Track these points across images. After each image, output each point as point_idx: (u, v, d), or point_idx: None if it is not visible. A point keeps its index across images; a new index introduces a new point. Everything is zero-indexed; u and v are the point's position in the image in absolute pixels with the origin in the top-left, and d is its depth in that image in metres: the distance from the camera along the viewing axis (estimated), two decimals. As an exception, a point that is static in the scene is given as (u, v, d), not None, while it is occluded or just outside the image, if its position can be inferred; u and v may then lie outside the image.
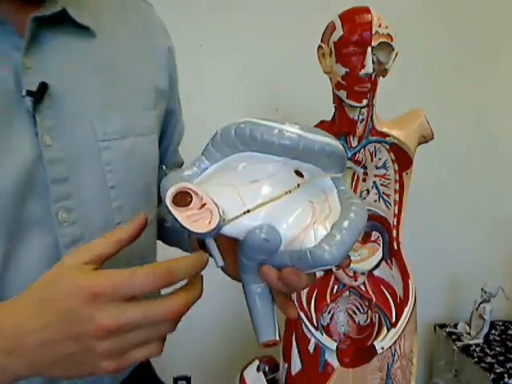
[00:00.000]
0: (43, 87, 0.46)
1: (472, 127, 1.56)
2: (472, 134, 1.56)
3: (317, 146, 0.40)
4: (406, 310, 0.99)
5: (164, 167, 0.49)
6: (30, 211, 0.46)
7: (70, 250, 0.48)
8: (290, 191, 0.42)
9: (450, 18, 1.50)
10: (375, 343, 0.97)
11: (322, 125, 0.98)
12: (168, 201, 0.39)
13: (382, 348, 0.96)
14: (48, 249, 0.48)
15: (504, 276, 1.61)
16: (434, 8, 1.48)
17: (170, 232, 0.71)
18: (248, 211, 0.40)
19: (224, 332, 1.45)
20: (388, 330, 0.98)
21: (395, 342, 0.98)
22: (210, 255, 0.41)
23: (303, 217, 0.42)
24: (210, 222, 0.38)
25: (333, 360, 0.95)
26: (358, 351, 0.97)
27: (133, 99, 0.57)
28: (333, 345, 0.95)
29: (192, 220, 0.38)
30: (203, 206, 0.39)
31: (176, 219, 0.38)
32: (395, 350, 0.99)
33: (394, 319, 0.99)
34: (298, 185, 0.43)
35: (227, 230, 0.40)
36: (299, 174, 0.44)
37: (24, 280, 0.43)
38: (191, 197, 0.39)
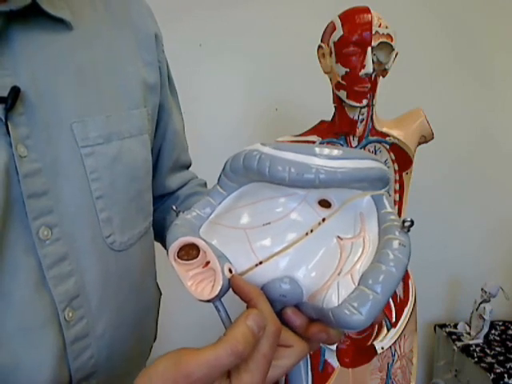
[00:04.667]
0: (15, 92, 0.41)
1: (472, 127, 1.56)
2: (472, 134, 1.56)
3: (340, 175, 0.33)
4: (406, 310, 1.00)
5: (174, 207, 0.41)
6: (11, 230, 0.41)
7: (54, 270, 0.44)
8: (311, 231, 0.36)
9: (449, 17, 1.50)
10: (375, 343, 0.97)
11: (321, 125, 0.99)
12: (171, 257, 0.36)
13: (382, 348, 0.96)
14: (33, 270, 0.43)
15: (504, 276, 1.61)
16: (434, 8, 1.48)
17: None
18: (260, 263, 0.35)
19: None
20: (388, 330, 0.98)
21: (395, 341, 0.98)
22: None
23: (328, 263, 0.35)
24: (213, 286, 0.34)
25: (333, 360, 0.95)
26: (358, 351, 0.97)
27: (118, 98, 0.51)
28: (333, 345, 0.95)
29: (196, 281, 0.35)
30: (208, 263, 0.35)
31: (180, 280, 0.35)
32: (395, 350, 0.99)
33: (393, 319, 0.99)
34: (324, 219, 0.36)
35: None
36: (325, 203, 0.36)
37: (11, 305, 0.41)
38: (198, 248, 0.36)
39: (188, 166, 0.72)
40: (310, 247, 0.36)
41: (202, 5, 1.36)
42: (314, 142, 0.95)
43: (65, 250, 0.45)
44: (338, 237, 0.36)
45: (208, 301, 0.35)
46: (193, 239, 0.36)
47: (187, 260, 0.36)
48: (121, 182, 0.50)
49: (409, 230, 0.34)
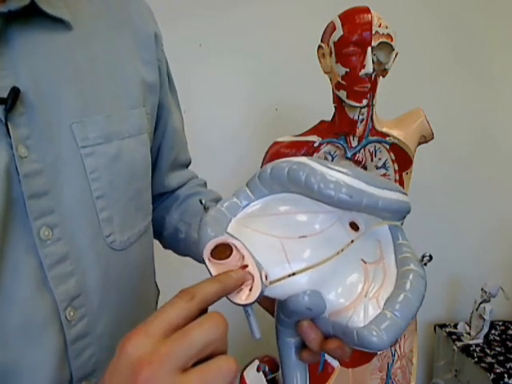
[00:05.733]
0: (15, 92, 0.41)
1: (472, 127, 1.56)
2: (472, 134, 1.56)
3: (381, 204, 0.35)
4: (406, 310, 1.00)
5: (203, 201, 0.41)
6: (12, 230, 0.41)
7: (55, 270, 0.44)
8: (342, 250, 0.37)
9: (449, 18, 1.50)
10: (375, 343, 0.97)
11: (321, 125, 0.98)
12: (206, 256, 0.36)
13: (382, 348, 0.96)
14: (34, 270, 0.43)
15: (504, 276, 1.61)
16: (434, 8, 1.48)
17: (184, 243, 0.66)
18: (293, 274, 0.36)
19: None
20: (388, 330, 0.98)
21: (395, 341, 0.98)
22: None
23: (354, 284, 0.37)
24: (250, 290, 0.34)
25: (333, 360, 0.95)
26: (358, 351, 0.97)
27: (117, 98, 0.51)
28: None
29: None
30: (244, 266, 0.35)
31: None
32: (395, 350, 0.99)
33: (393, 319, 0.99)
34: (352, 241, 0.38)
35: (267, 291, 0.36)
36: (354, 226, 0.39)
37: (12, 304, 0.41)
38: (231, 249, 0.36)
39: (187, 165, 0.72)
40: (339, 266, 0.37)
41: (202, 5, 1.37)
42: (313, 142, 0.95)
43: (66, 249, 0.45)
44: (362, 260, 0.38)
45: (242, 305, 0.35)
46: (230, 239, 0.36)
47: (220, 259, 0.36)
48: (120, 182, 0.50)
49: (426, 265, 0.37)
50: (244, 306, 0.35)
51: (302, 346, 0.41)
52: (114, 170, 0.49)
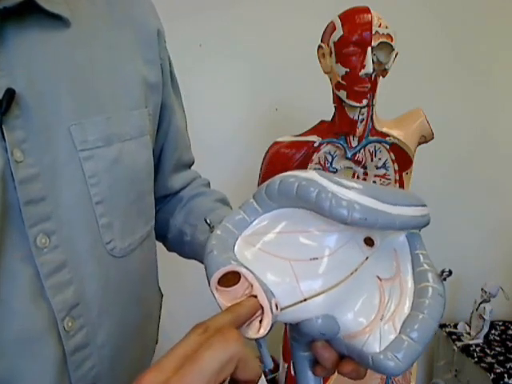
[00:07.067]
0: (10, 94, 0.39)
1: (472, 127, 1.56)
2: (472, 134, 1.56)
3: (398, 223, 0.33)
4: (406, 309, 0.99)
5: (208, 220, 0.40)
6: (7, 238, 0.40)
7: (52, 279, 0.42)
8: (356, 269, 0.36)
9: (449, 17, 1.50)
10: (375, 343, 0.97)
11: (321, 125, 0.99)
12: (213, 286, 0.34)
13: (382, 348, 0.96)
14: (31, 279, 0.41)
15: (504, 276, 1.61)
16: (434, 8, 1.48)
17: (189, 245, 0.63)
18: (305, 300, 0.35)
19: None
20: (388, 330, 0.98)
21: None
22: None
23: (369, 305, 0.36)
24: (260, 322, 0.33)
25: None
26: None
27: (117, 98, 0.49)
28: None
29: None
30: (253, 296, 0.34)
31: (220, 307, 0.34)
32: (395, 349, 0.99)
33: (394, 319, 0.99)
34: (367, 257, 0.36)
35: (279, 317, 0.35)
36: (369, 241, 0.37)
37: (9, 315, 0.40)
38: (239, 276, 0.34)
39: (190, 165, 0.71)
40: (353, 287, 0.35)
41: (202, 5, 1.37)
42: (313, 142, 0.95)
43: (64, 257, 0.44)
44: (378, 277, 0.37)
45: (254, 339, 0.33)
46: (241, 269, 0.35)
47: (228, 286, 0.34)
48: (121, 186, 0.49)
49: (445, 279, 0.36)
50: (256, 339, 0.33)
51: (316, 360, 0.40)
52: (114, 173, 0.47)
